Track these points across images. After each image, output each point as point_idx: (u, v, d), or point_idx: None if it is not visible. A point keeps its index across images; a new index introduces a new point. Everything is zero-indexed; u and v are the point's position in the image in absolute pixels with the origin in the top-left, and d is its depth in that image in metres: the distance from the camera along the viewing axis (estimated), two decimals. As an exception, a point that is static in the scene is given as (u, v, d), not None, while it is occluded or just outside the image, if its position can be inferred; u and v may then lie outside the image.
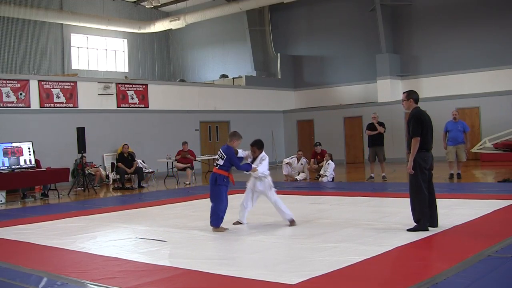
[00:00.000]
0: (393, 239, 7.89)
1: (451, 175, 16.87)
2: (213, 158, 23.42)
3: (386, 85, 26.86)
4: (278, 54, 31.42)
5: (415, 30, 27.14)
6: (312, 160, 19.61)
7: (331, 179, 18.27)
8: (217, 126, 27.61)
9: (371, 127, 17.96)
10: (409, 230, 8.38)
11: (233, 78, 30.01)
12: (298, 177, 19.17)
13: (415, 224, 8.40)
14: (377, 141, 17.85)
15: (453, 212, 10.25)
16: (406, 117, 25.09)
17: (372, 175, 17.97)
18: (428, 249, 7.41)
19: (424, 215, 8.34)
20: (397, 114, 25.76)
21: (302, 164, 19.55)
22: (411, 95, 8.77)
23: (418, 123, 8.44)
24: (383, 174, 17.80)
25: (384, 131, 17.92)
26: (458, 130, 16.87)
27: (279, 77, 31.15)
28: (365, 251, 7.16)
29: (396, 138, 25.25)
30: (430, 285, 5.49)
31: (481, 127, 23.74)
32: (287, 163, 19.64)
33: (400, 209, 10.69)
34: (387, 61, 26.88)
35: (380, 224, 9.13)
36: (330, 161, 18.51)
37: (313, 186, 17.46)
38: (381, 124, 17.84)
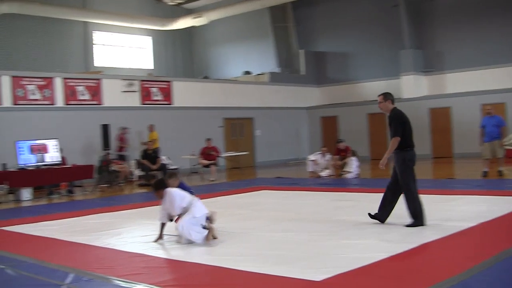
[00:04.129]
0: (417, 236, 7.85)
1: (485, 173, 16.17)
2: (238, 155, 23.60)
3: (410, 81, 26.67)
4: (302, 51, 31.31)
5: (438, 25, 26.88)
6: (336, 156, 19.53)
7: (355, 176, 18.20)
8: (241, 123, 27.63)
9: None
10: (407, 226, 8.62)
11: (257, 74, 30.00)
12: (323, 174, 19.12)
13: (413, 220, 8.68)
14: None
15: (478, 209, 10.20)
16: (430, 113, 25.34)
17: (397, 171, 17.83)
18: (453, 247, 7.34)
19: (420, 210, 8.69)
20: (421, 110, 25.60)
21: (327, 160, 19.50)
22: (388, 97, 9.06)
23: (400, 124, 8.75)
24: (407, 170, 17.65)
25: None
26: (492, 125, 16.12)
27: (303, 73, 31.06)
28: (389, 248, 7.13)
29: (419, 134, 24.91)
30: (456, 283, 5.45)
31: (507, 123, 23.47)
32: (312, 160, 19.59)
33: (424, 206, 10.63)
34: (411, 56, 26.68)
35: (404, 220, 9.05)
36: (353, 158, 18.44)
37: (337, 182, 17.41)
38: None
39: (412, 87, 26.58)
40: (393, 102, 9.01)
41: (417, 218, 8.63)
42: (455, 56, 26.12)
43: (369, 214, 9.12)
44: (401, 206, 8.85)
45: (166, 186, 8.47)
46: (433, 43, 27.07)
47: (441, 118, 25.57)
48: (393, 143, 8.67)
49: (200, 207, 8.36)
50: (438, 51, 26.88)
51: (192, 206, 8.27)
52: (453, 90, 25.66)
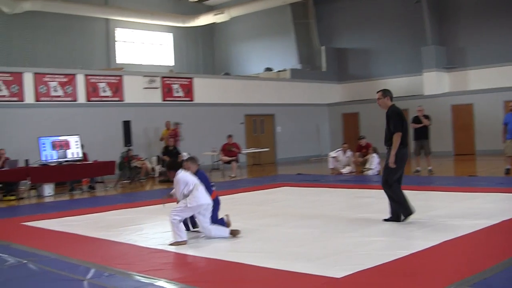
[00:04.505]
0: (439, 233, 7.79)
1: (507, 170, 15.96)
2: (258, 151, 23.59)
3: (432, 77, 26.49)
4: (323, 47, 31.21)
5: (461, 21, 26.63)
6: (357, 153, 19.47)
7: (376, 172, 18.13)
8: (262, 120, 27.62)
9: (416, 120, 17.72)
10: (403, 220, 8.84)
11: (278, 71, 29.96)
12: (344, 171, 19.06)
13: (399, 216, 8.88)
14: (422, 134, 17.60)
15: (500, 207, 10.12)
16: (452, 110, 25.13)
17: (418, 168, 17.74)
18: (475, 244, 7.29)
19: (405, 202, 8.86)
20: (443, 107, 25.42)
21: (348, 156, 19.44)
22: (387, 93, 9.17)
23: (399, 119, 8.84)
24: (430, 167, 17.54)
25: (430, 124, 17.67)
26: None
27: (324, 70, 30.98)
28: (410, 245, 7.11)
29: (442, 131, 24.89)
30: (478, 280, 5.41)
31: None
32: (333, 157, 19.54)
33: (446, 203, 10.57)
34: (433, 53, 26.48)
35: (426, 218, 9.01)
36: (374, 154, 18.38)
37: (358, 179, 17.37)
38: (427, 117, 17.59)
39: (434, 84, 26.40)
40: (391, 99, 9.12)
41: (399, 214, 8.86)
42: (478, 52, 25.87)
43: (384, 220, 9.04)
44: (414, 202, 8.81)
45: (178, 168, 8.32)
46: (455, 40, 26.83)
47: (463, 115, 25.37)
48: (396, 138, 8.74)
49: (198, 197, 8.07)
50: (460, 47, 26.65)
51: (191, 195, 8.07)
52: (475, 86, 25.43)
